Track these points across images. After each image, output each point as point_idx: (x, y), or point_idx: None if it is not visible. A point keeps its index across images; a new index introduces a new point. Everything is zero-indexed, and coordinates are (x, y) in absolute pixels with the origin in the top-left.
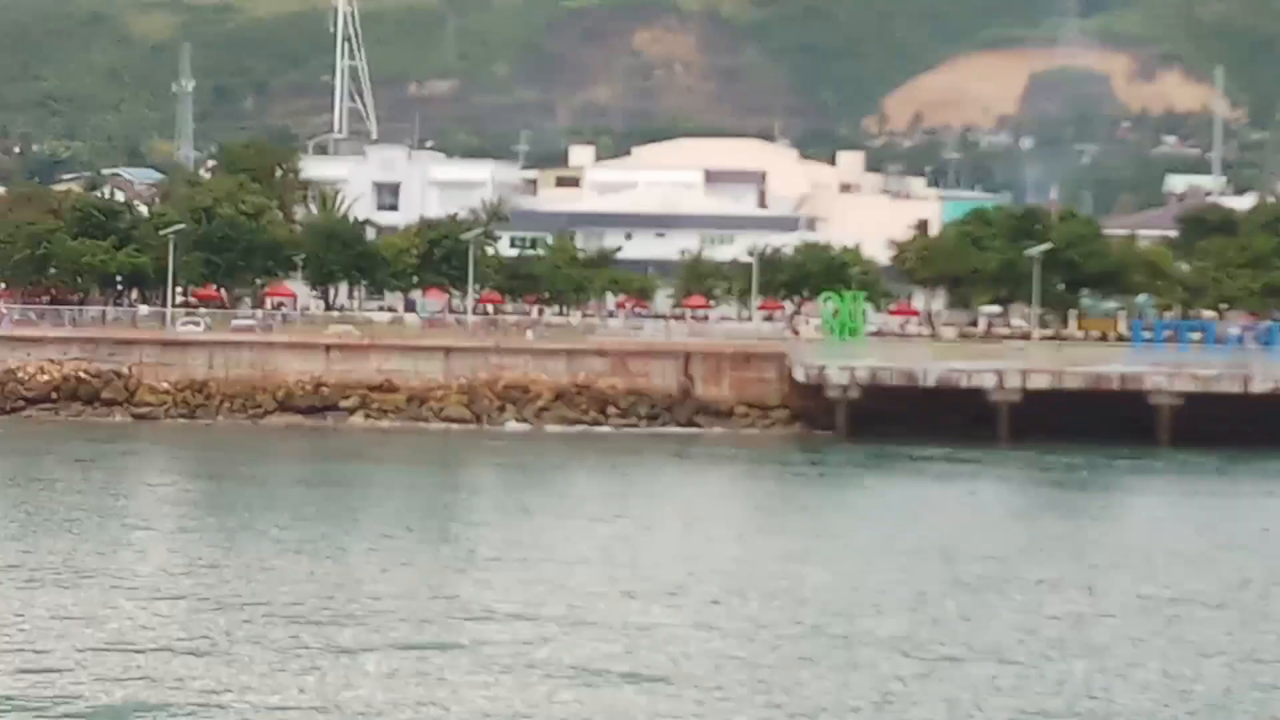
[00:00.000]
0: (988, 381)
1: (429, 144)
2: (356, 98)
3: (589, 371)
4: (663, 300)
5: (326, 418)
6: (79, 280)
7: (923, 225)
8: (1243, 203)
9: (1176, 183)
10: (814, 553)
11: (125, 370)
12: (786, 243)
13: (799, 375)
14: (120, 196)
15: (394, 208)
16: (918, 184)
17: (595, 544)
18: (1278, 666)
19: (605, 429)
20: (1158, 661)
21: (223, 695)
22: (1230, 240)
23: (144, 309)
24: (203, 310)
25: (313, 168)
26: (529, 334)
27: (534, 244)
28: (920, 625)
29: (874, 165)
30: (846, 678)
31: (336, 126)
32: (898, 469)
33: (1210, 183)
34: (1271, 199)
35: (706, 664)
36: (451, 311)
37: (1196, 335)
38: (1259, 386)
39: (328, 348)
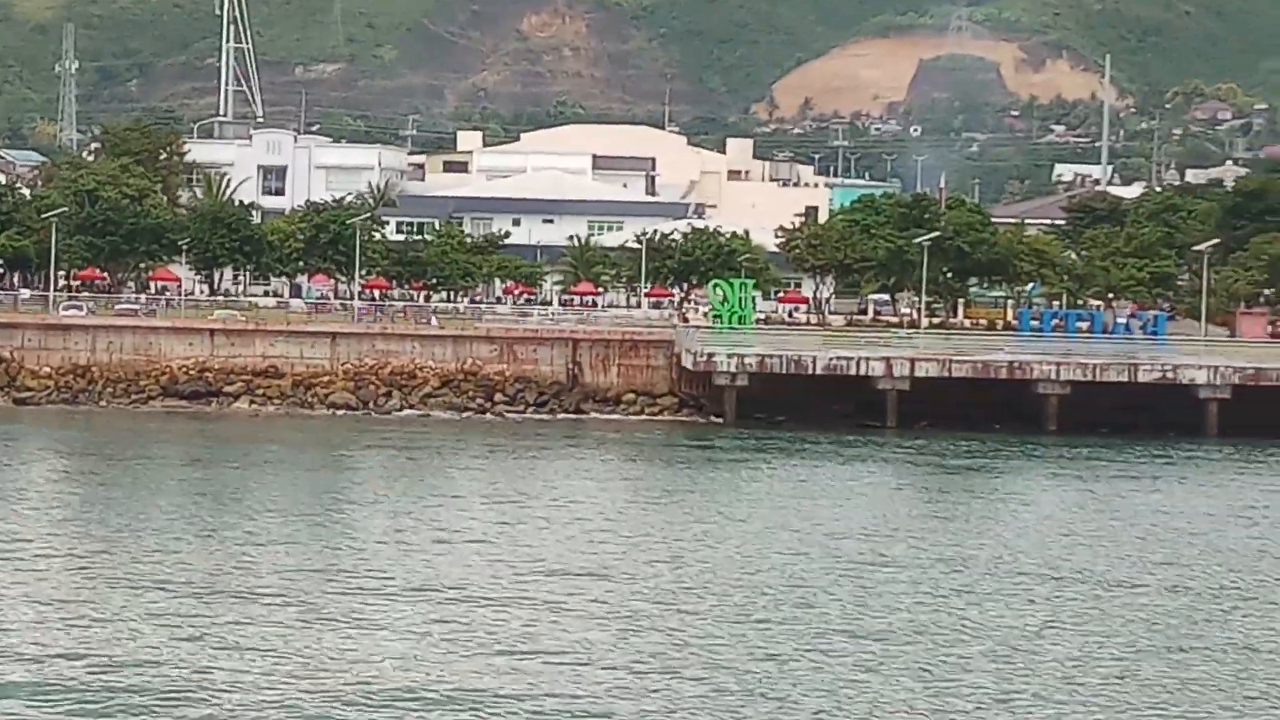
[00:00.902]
0: (876, 369)
1: (315, 128)
2: (242, 81)
3: (476, 358)
4: (551, 287)
5: (211, 403)
6: None
7: (811, 213)
8: (1130, 192)
9: (1064, 171)
10: (698, 537)
11: (6, 355)
12: (675, 229)
13: (687, 362)
14: (1, 179)
15: (280, 192)
16: (806, 171)
17: (479, 529)
18: (1151, 635)
19: (492, 415)
20: (1045, 641)
21: (105, 673)
22: (1117, 229)
23: (25, 293)
24: (85, 294)
25: (197, 151)
26: (432, 320)
27: (421, 229)
28: (801, 606)
29: (763, 152)
30: (724, 656)
31: (221, 109)
32: (785, 456)
33: (1098, 171)
34: (1159, 188)
35: (584, 643)
36: (337, 297)
37: (1084, 324)
38: (1146, 375)
39: (212, 332)
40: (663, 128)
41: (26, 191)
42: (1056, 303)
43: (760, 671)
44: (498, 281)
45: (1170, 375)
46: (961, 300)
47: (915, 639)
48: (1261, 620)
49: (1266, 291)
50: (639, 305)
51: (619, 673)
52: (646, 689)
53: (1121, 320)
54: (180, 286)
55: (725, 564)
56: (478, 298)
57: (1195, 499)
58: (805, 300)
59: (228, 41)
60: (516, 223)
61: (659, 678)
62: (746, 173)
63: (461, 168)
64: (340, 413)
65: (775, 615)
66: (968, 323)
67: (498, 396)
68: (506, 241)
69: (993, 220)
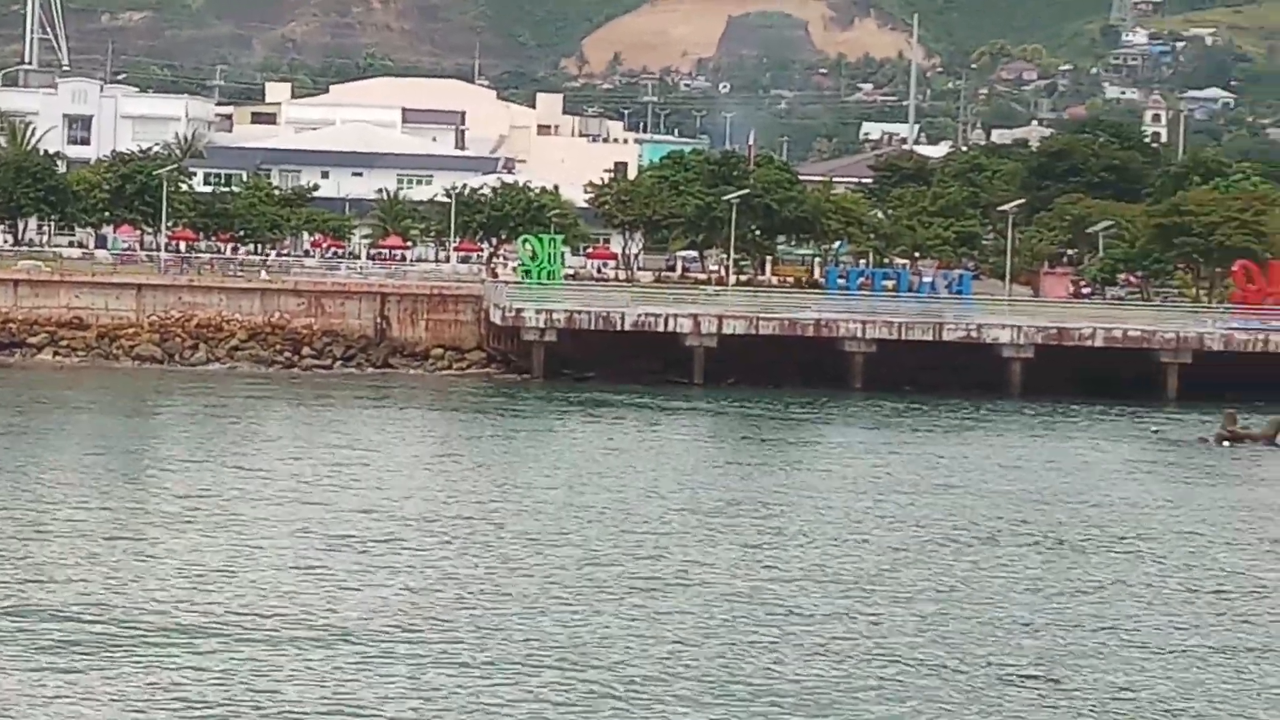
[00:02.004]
0: (684, 326)
1: (122, 77)
2: (47, 28)
3: (283, 311)
4: (359, 240)
5: (14, 354)
6: None
7: (621, 168)
8: (936, 151)
9: (872, 130)
10: (500, 491)
11: None
12: (484, 184)
13: (495, 318)
14: None
15: (85, 141)
16: (616, 127)
17: (280, 482)
18: (950, 581)
19: (299, 369)
20: (858, 593)
21: None
22: (924, 188)
23: None
24: None
25: (1, 99)
26: (263, 274)
27: (229, 181)
28: (609, 560)
29: (573, 108)
30: (525, 609)
31: (26, 57)
32: (592, 412)
33: (905, 131)
34: (964, 148)
35: (386, 603)
36: (143, 248)
37: (890, 283)
38: (950, 334)
39: (15, 283)
40: (472, 81)
41: None
42: (863, 261)
43: (545, 617)
44: (306, 234)
45: (974, 334)
46: (769, 258)
47: (713, 589)
48: (1062, 562)
49: (1069, 252)
50: (448, 260)
51: (421, 633)
52: (429, 639)
53: (927, 279)
54: None
55: (524, 518)
56: (285, 250)
57: (996, 455)
58: (614, 256)
59: None
60: (325, 175)
61: (445, 626)
62: (556, 128)
63: (270, 119)
64: (145, 365)
65: (565, 567)
66: (775, 280)
67: (305, 350)
68: (315, 194)
69: (800, 178)
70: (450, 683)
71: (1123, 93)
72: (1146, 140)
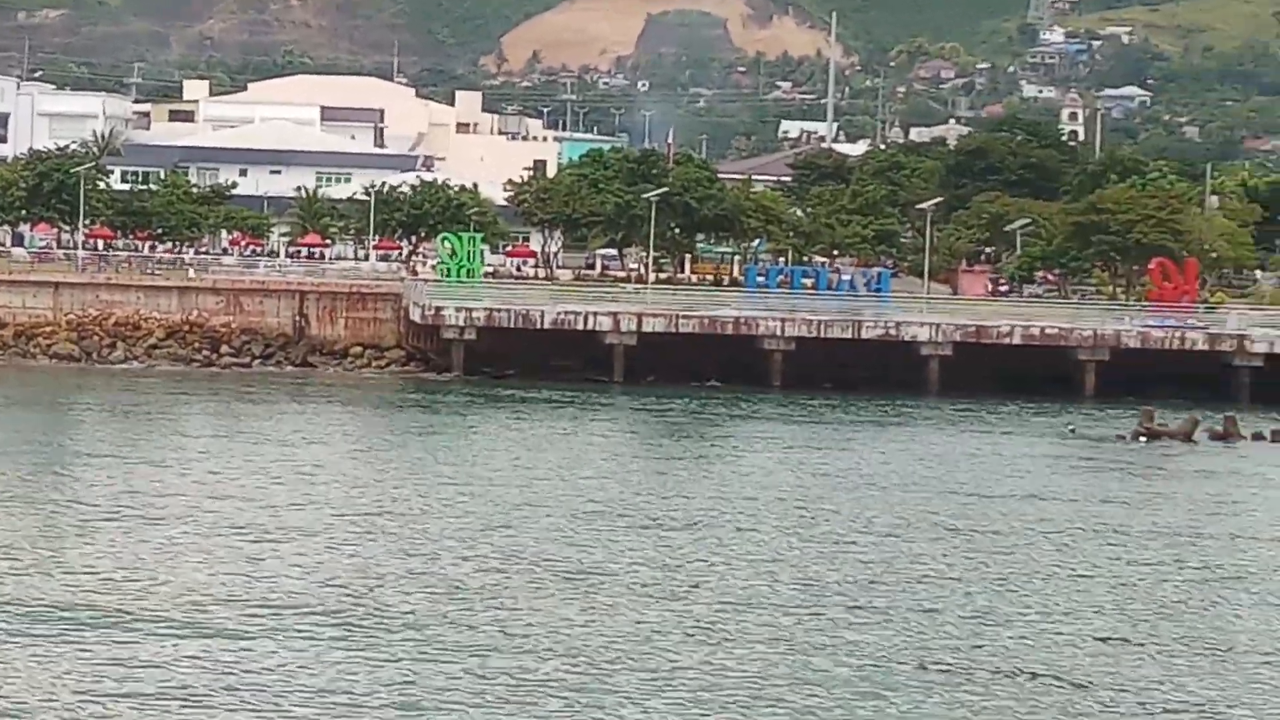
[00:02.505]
0: (603, 324)
1: (38, 74)
2: None
3: (201, 309)
4: (278, 238)
5: None
6: None
7: (540, 166)
8: (855, 149)
9: (790, 128)
10: (422, 489)
11: None
12: (403, 182)
13: (415, 316)
14: None
15: (2, 139)
16: (535, 125)
17: (200, 479)
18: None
19: (218, 368)
20: (762, 581)
21: None
22: (842, 187)
23: None
24: None
25: None
26: (190, 272)
27: (146, 179)
28: (526, 554)
29: (492, 105)
30: (443, 600)
31: None
32: (511, 409)
33: (823, 129)
34: (883, 146)
35: (299, 596)
36: (60, 246)
37: (809, 281)
38: (869, 332)
39: None
40: (391, 79)
41: None
42: (782, 259)
43: (463, 606)
44: (224, 232)
45: (893, 332)
46: (688, 256)
47: (627, 581)
48: (975, 554)
49: (987, 249)
50: (367, 258)
51: (340, 626)
52: (349, 634)
53: (846, 277)
54: None
55: (442, 514)
56: (203, 249)
57: (914, 451)
58: (533, 254)
59: None
60: (243, 173)
61: (361, 615)
62: (475, 126)
63: (188, 117)
64: (63, 364)
65: (485, 559)
66: (695, 278)
67: (223, 348)
68: (233, 192)
69: (719, 176)
70: (365, 668)
71: (1040, 91)
72: (1064, 138)
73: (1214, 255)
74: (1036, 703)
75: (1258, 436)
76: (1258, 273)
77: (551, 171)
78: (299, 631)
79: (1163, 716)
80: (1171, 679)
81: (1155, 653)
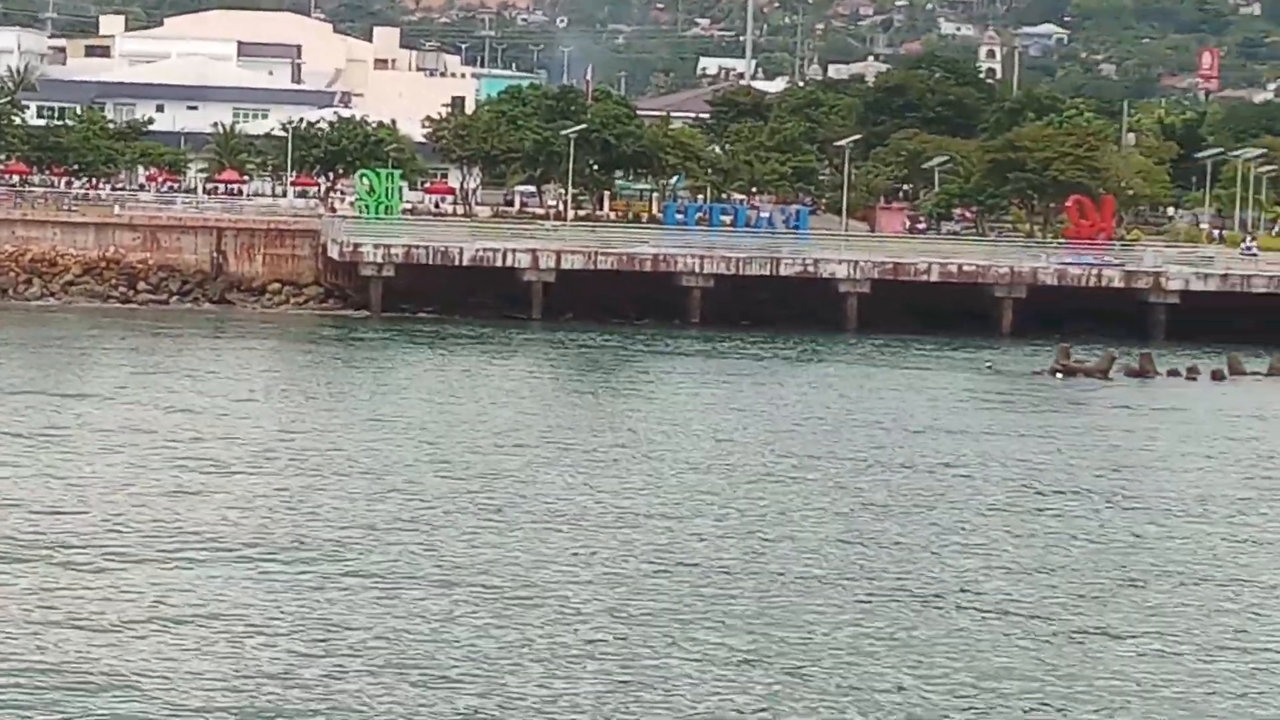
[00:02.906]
0: (522, 261)
1: None
2: None
3: (119, 246)
4: (195, 174)
5: None
6: None
7: (458, 103)
8: (774, 87)
9: (709, 65)
10: (339, 425)
11: None
12: (321, 118)
13: (333, 253)
14: None
15: None
16: (453, 61)
17: (118, 414)
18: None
19: (135, 304)
20: (694, 524)
21: None
22: (761, 124)
23: None
24: None
25: None
26: (117, 208)
27: (62, 114)
28: (441, 488)
29: (410, 41)
30: (358, 531)
31: None
32: (429, 347)
33: (742, 66)
34: (801, 83)
35: (213, 528)
36: None
37: (727, 218)
38: (787, 269)
39: None
40: (308, 14)
41: None
42: (701, 196)
43: (358, 546)
44: (141, 169)
45: (811, 269)
46: (607, 193)
47: (547, 512)
48: (894, 487)
49: (905, 187)
50: (284, 194)
51: (262, 564)
52: (259, 564)
53: (764, 215)
54: None
55: (359, 449)
56: (120, 185)
57: (831, 387)
58: (452, 191)
59: None
60: (160, 109)
61: (281, 546)
62: (393, 62)
63: (104, 52)
64: None
65: (399, 492)
66: (613, 215)
67: (141, 285)
68: (150, 128)
69: (638, 113)
70: (276, 597)
71: (958, 29)
72: (981, 76)
73: (1130, 193)
74: (945, 627)
75: (1173, 373)
76: (1172, 210)
77: (470, 108)
78: (212, 561)
79: (1067, 639)
80: (1079, 604)
81: (1063, 580)
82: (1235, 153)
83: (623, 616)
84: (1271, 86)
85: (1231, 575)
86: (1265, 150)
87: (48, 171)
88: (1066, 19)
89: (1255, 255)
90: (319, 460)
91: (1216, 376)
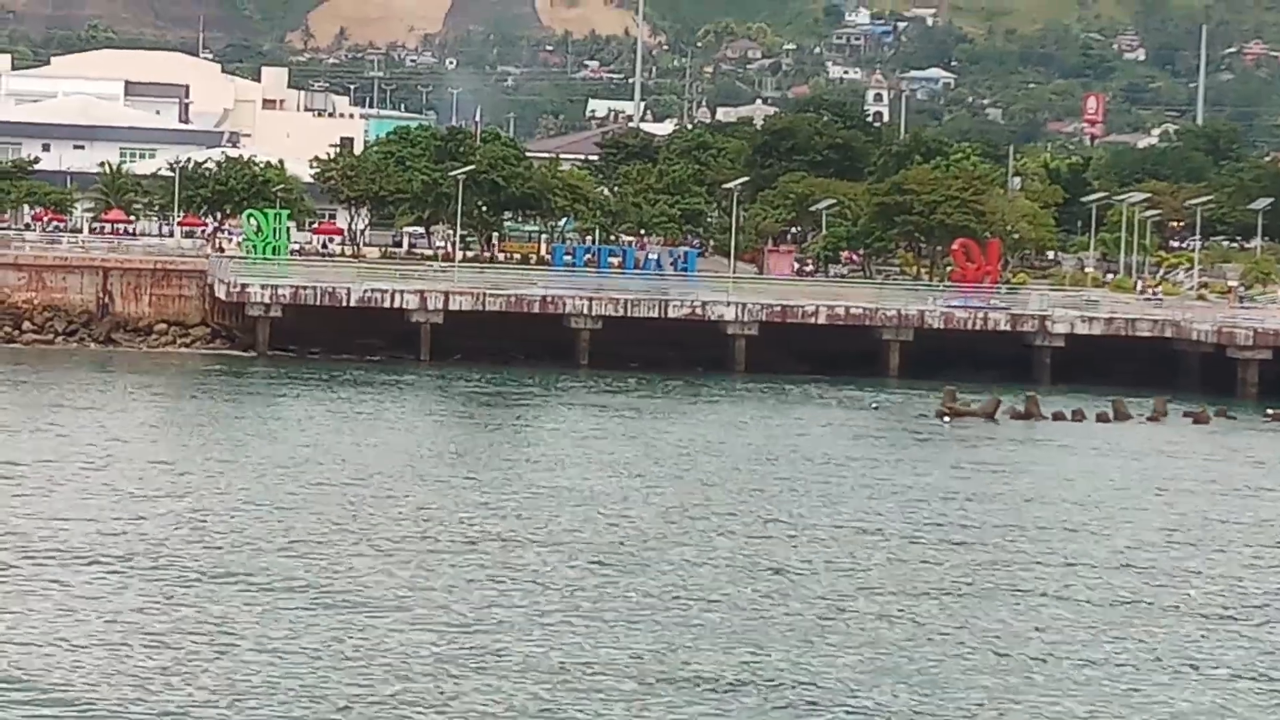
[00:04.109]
0: (410, 302)
1: None
2: None
3: (3, 285)
4: (81, 214)
5: None
6: None
7: (347, 144)
8: (662, 129)
9: (598, 107)
10: (223, 467)
11: None
12: (209, 158)
13: (220, 293)
14: None
15: None
16: (342, 102)
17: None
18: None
19: (20, 344)
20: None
21: None
22: (649, 166)
23: None
24: None
25: None
26: (63, 241)
27: None
28: (326, 530)
29: (298, 82)
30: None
31: None
32: (316, 388)
33: (631, 108)
34: (690, 126)
35: (99, 574)
36: None
37: (616, 259)
38: (676, 311)
39: None
40: (196, 55)
41: None
42: (589, 238)
43: (223, 577)
44: (26, 208)
45: (699, 311)
46: (496, 234)
47: (428, 550)
48: (781, 531)
49: (793, 229)
50: (172, 234)
51: (129, 602)
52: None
53: (653, 256)
54: None
55: (241, 491)
56: (5, 224)
57: (718, 430)
58: (340, 232)
59: None
60: (46, 148)
61: (164, 602)
62: (281, 102)
63: None
64: None
65: (268, 536)
66: (502, 257)
67: (26, 325)
68: (36, 167)
69: (527, 155)
70: (138, 625)
71: (846, 72)
72: (869, 120)
73: (1016, 236)
74: (814, 661)
75: (1058, 416)
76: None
77: (358, 149)
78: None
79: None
80: (965, 632)
81: (944, 606)
82: (1120, 197)
83: (471, 630)
84: (1156, 131)
85: (1101, 609)
86: (1149, 195)
87: None
88: (953, 64)
89: (1159, 299)
90: (196, 496)
91: (1101, 419)
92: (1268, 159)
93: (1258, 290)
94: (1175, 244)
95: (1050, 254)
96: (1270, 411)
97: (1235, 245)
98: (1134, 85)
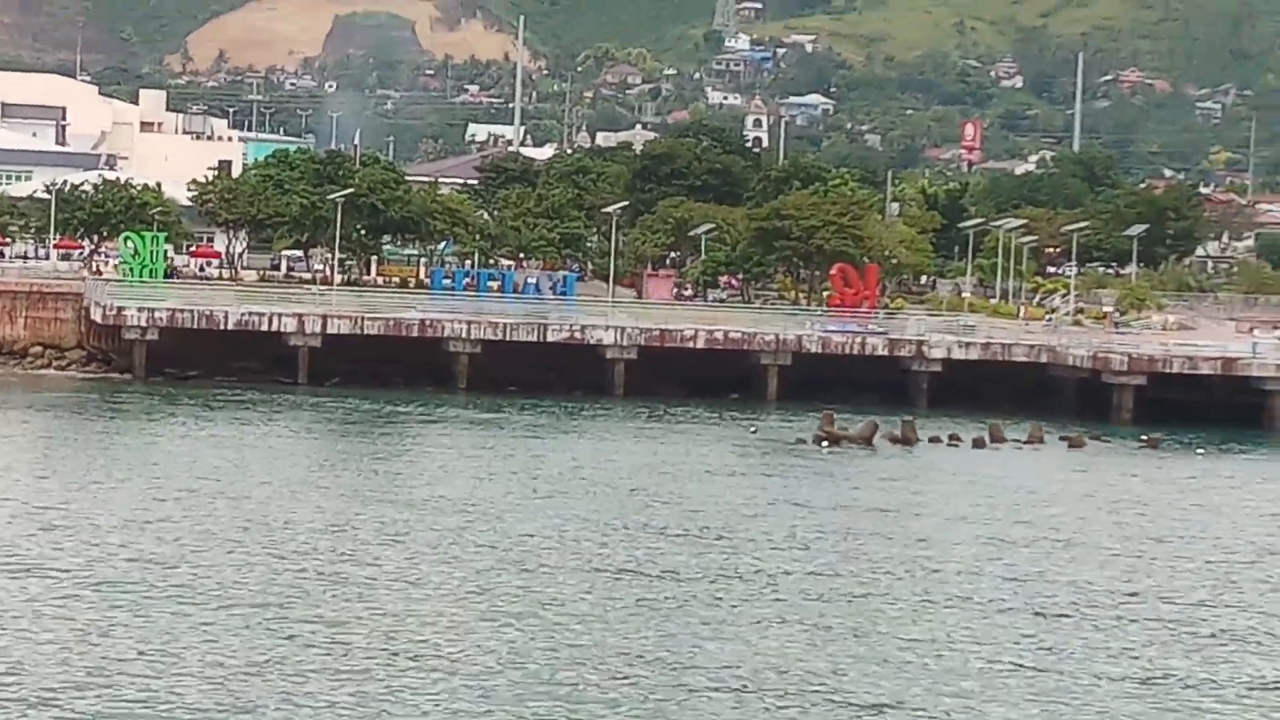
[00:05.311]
0: (288, 325)
1: None
2: None
3: None
4: None
5: None
6: None
7: (225, 167)
8: (542, 153)
9: (478, 131)
10: (96, 489)
11: None
12: (86, 180)
13: (96, 316)
14: None
15: None
16: (221, 125)
17: None
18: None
19: None
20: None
21: None
22: (529, 190)
23: None
24: None
25: None
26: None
27: None
28: (196, 547)
29: (177, 105)
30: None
31: None
32: (193, 412)
33: (511, 132)
34: (570, 150)
35: None
36: None
37: (495, 283)
38: (555, 335)
39: None
40: (74, 77)
41: None
42: (469, 262)
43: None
44: None
45: (579, 336)
46: (375, 258)
47: (296, 573)
48: (655, 553)
49: (673, 254)
50: (48, 257)
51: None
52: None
53: (532, 280)
54: None
55: (111, 512)
56: None
57: (596, 454)
58: (218, 255)
59: None
60: None
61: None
62: (160, 125)
63: None
64: None
65: (153, 556)
66: (381, 280)
67: None
68: None
69: (407, 178)
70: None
71: (725, 98)
72: (748, 145)
73: (894, 261)
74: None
75: (934, 440)
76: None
77: (237, 172)
78: None
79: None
80: (835, 670)
81: (819, 641)
82: (997, 223)
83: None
84: (1033, 158)
85: (968, 633)
86: (1026, 221)
87: None
88: (832, 90)
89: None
90: (67, 516)
91: (978, 444)
92: (1143, 185)
93: (1133, 316)
94: (1052, 270)
95: (927, 279)
96: (1144, 437)
97: (1111, 271)
98: (1011, 112)
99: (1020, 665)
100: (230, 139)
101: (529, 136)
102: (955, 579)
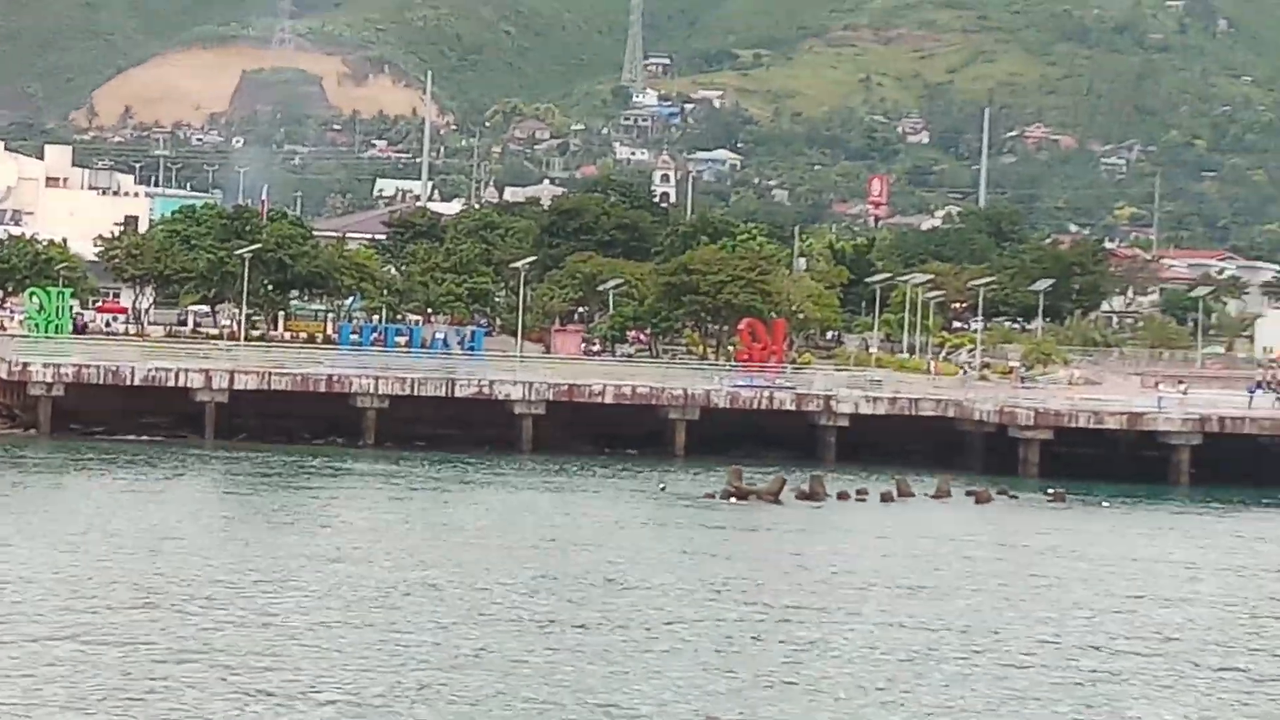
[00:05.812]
0: (195, 381)
1: None
2: None
3: None
4: None
5: None
6: None
7: (131, 222)
8: (450, 208)
9: (386, 186)
10: (1, 548)
11: None
12: None
13: (1, 372)
14: None
15: None
16: (127, 180)
17: None
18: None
19: None
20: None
21: None
22: (437, 245)
23: None
24: None
25: None
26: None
27: None
28: (99, 607)
29: (83, 160)
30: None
31: None
32: (99, 468)
33: (419, 187)
34: (478, 205)
35: None
36: None
37: (402, 339)
38: (462, 390)
39: None
40: None
41: None
42: (376, 317)
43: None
44: None
45: (486, 390)
46: (282, 313)
47: (189, 629)
48: (559, 608)
49: (581, 309)
50: None
51: None
52: None
53: (440, 335)
54: None
55: (9, 571)
56: None
57: (503, 509)
58: (124, 310)
59: None
60: None
61: None
62: (65, 180)
63: None
64: None
65: (37, 616)
66: (288, 335)
67: None
68: None
69: (314, 233)
70: None
71: (633, 153)
72: (656, 200)
73: (802, 316)
74: None
75: (842, 495)
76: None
77: (144, 227)
78: None
79: None
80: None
81: (725, 688)
82: (904, 278)
83: None
84: (939, 213)
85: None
86: (933, 276)
87: None
88: (740, 145)
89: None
90: None
91: (885, 498)
92: (1048, 240)
93: (1039, 371)
94: (958, 325)
95: (834, 334)
96: (1050, 491)
97: (1017, 326)
98: (918, 167)
99: (888, 704)
100: (137, 194)
101: (437, 191)
102: (844, 626)
